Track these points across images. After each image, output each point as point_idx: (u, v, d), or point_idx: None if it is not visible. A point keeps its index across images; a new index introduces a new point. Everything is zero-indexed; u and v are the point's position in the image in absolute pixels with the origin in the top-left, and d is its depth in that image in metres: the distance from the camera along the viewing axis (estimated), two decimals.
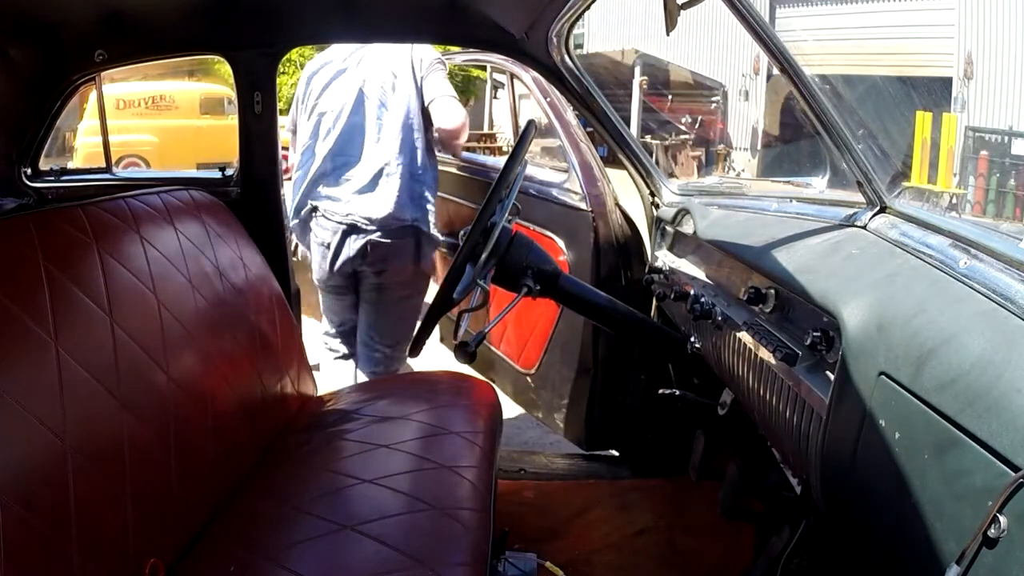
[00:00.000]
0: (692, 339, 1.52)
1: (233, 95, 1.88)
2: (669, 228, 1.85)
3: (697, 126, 13.88)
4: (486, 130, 9.56)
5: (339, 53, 2.24)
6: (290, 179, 2.35)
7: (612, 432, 2.13)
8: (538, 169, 2.26)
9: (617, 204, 2.04)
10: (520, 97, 2.67)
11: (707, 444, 1.93)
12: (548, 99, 2.12)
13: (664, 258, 1.84)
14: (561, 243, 2.10)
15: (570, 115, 2.11)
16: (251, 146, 1.87)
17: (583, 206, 2.03)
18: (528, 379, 2.29)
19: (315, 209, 2.21)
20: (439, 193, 2.36)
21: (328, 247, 2.19)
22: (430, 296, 1.75)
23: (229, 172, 1.94)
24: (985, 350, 0.70)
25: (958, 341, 0.74)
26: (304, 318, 2.37)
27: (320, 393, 1.85)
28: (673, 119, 13.62)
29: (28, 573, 0.88)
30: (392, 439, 1.49)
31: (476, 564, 1.14)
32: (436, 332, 2.03)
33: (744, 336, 1.20)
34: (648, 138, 12.37)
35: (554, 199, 2.13)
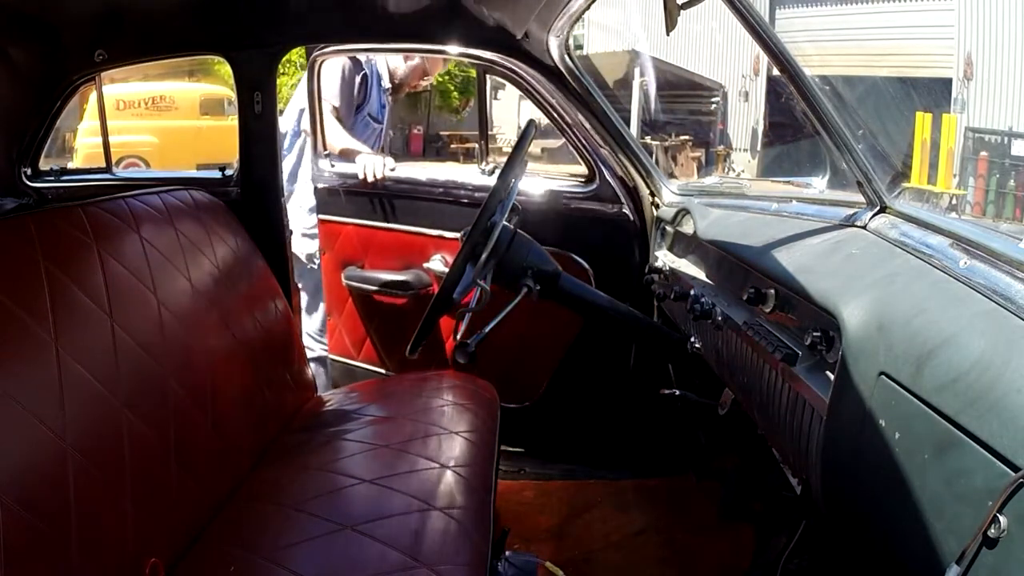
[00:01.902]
0: (692, 339, 1.52)
1: (233, 95, 1.88)
2: (669, 228, 1.85)
3: (714, 119, 13.92)
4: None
5: None
6: None
7: (625, 451, 2.10)
8: (550, 180, 2.11)
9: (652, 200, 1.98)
10: (521, 98, 2.59)
11: (707, 444, 1.93)
12: (555, 99, 2.00)
13: (664, 258, 1.84)
14: (589, 267, 2.01)
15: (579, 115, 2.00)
16: (251, 146, 1.87)
17: (620, 211, 1.97)
18: (520, 415, 2.18)
19: None
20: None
21: None
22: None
23: (229, 172, 1.94)
24: (985, 350, 0.70)
25: (958, 341, 0.74)
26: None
27: (320, 393, 1.85)
28: (681, 119, 13.66)
29: (28, 573, 0.88)
30: (392, 439, 1.49)
31: (476, 564, 1.14)
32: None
33: (744, 336, 1.20)
34: (648, 139, 12.37)
35: (582, 210, 2.02)
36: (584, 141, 1.99)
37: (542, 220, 1.95)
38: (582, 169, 2.05)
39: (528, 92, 2.00)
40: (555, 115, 2.00)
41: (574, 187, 2.06)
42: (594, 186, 2.01)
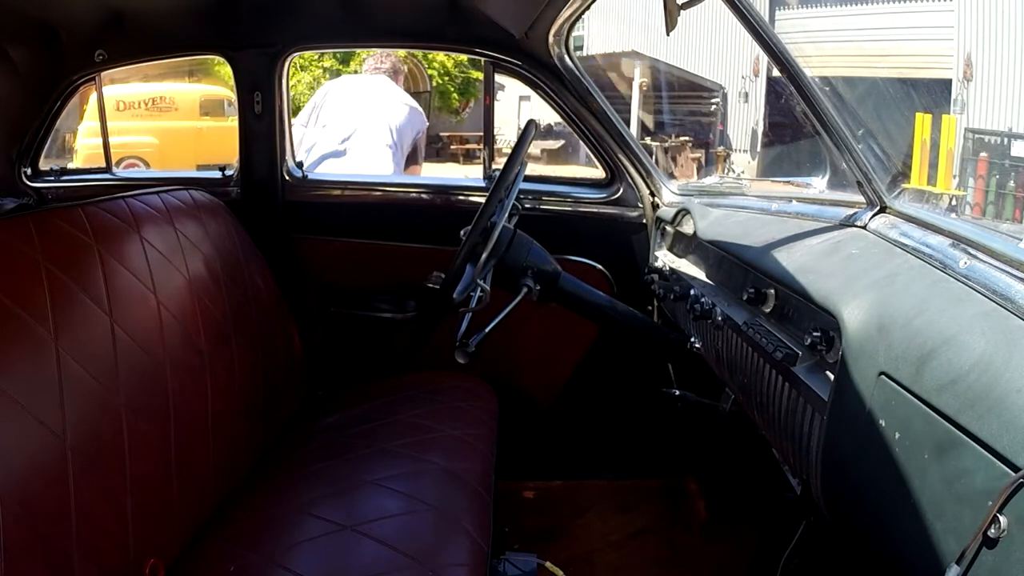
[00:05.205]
0: (692, 339, 1.52)
1: (233, 96, 1.88)
2: (669, 228, 1.85)
3: (714, 120, 13.94)
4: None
5: None
6: None
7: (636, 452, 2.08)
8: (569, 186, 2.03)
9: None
10: (521, 99, 2.54)
11: (707, 444, 1.93)
12: (565, 99, 1.91)
13: (664, 258, 1.84)
14: (609, 275, 1.97)
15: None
16: (251, 146, 1.87)
17: (640, 215, 1.95)
18: (520, 415, 2.11)
19: None
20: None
21: None
22: None
23: (229, 172, 1.94)
24: (985, 351, 0.70)
25: (958, 341, 0.74)
26: None
27: (320, 393, 1.85)
28: (681, 120, 13.68)
29: (28, 573, 0.88)
30: (392, 439, 1.49)
31: (476, 564, 1.14)
32: None
33: (744, 336, 1.20)
34: (648, 139, 12.37)
35: (600, 216, 1.98)
36: (603, 144, 1.93)
37: (558, 228, 1.92)
38: (590, 172, 2.02)
39: (545, 95, 1.92)
40: (573, 118, 1.92)
41: (592, 192, 1.99)
42: (614, 189, 1.97)
